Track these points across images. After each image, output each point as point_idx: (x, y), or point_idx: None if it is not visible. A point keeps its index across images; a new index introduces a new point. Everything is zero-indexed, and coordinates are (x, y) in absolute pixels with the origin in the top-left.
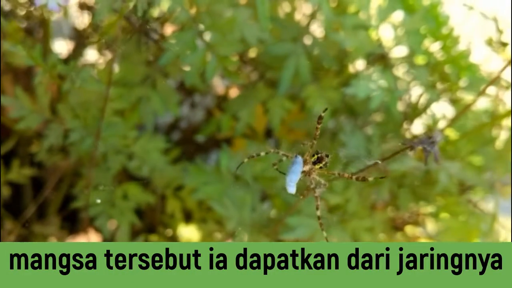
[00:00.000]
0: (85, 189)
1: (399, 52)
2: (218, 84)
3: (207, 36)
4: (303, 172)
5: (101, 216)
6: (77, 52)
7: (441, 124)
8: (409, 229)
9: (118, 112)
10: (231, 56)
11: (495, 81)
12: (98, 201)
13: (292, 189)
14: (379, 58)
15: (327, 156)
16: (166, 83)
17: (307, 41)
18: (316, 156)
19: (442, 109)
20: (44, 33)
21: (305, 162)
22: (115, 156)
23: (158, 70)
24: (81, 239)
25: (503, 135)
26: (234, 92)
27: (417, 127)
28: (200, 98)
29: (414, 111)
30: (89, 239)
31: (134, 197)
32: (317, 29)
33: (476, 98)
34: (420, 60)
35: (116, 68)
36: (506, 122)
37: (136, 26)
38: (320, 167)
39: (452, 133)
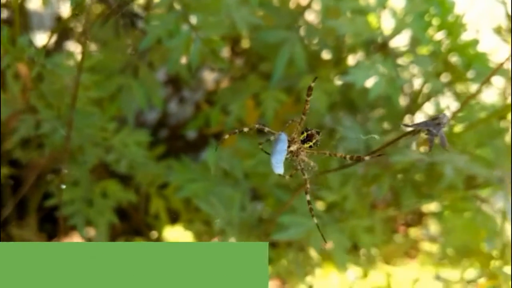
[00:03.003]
0: (59, 186)
1: (401, 40)
2: (209, 79)
3: (193, 19)
4: (290, 152)
5: (76, 216)
6: (59, 42)
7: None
8: (412, 231)
9: (95, 101)
10: (218, 39)
11: (499, 69)
12: (63, 186)
13: (279, 169)
14: (380, 47)
15: (318, 133)
16: (149, 71)
17: (303, 28)
18: (305, 134)
19: (448, 102)
20: (14, 18)
21: (293, 141)
22: (92, 149)
23: (140, 57)
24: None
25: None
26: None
27: (419, 119)
28: (190, 94)
29: (416, 102)
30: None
31: (114, 195)
32: (313, 16)
33: (480, 87)
34: (423, 49)
35: (96, 54)
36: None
37: (113, 7)
38: (310, 146)
39: (458, 125)
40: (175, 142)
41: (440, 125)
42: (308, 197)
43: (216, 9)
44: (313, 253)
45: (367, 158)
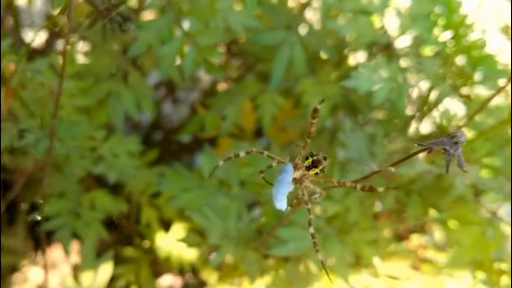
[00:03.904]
0: (41, 198)
1: (406, 41)
2: (205, 78)
3: (186, 24)
4: (294, 179)
5: (62, 229)
6: (49, 41)
7: (455, 122)
8: (415, 238)
9: (84, 108)
10: (213, 46)
11: None
12: (38, 218)
13: (280, 204)
14: (384, 48)
15: (325, 158)
16: (140, 76)
17: (303, 29)
18: (310, 159)
19: (455, 106)
20: None
21: (296, 167)
22: (79, 160)
23: (129, 62)
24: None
25: None
26: (222, 87)
27: (426, 125)
28: (185, 94)
29: (423, 107)
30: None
31: (102, 206)
32: (313, 16)
33: (494, 93)
34: (429, 51)
35: (83, 59)
36: None
37: (100, 10)
38: (316, 173)
39: (467, 133)
40: (169, 145)
41: (458, 144)
42: (311, 230)
43: (211, 13)
44: (312, 266)
45: (380, 189)
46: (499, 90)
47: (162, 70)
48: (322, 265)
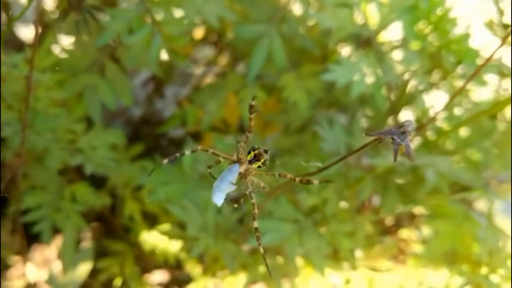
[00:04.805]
0: (16, 190)
1: (388, 35)
2: (198, 74)
3: (156, 14)
4: (238, 174)
5: (42, 222)
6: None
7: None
8: (404, 233)
9: (62, 102)
10: (180, 36)
11: (487, 64)
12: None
13: (218, 199)
14: (366, 42)
15: (266, 152)
16: (117, 69)
17: (284, 23)
18: (252, 153)
19: (438, 99)
20: None
21: (240, 162)
22: (57, 152)
23: (107, 55)
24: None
25: (502, 126)
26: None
27: (405, 117)
28: (177, 90)
29: (400, 100)
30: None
31: (83, 199)
32: (295, 9)
33: (466, 83)
34: (413, 45)
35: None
36: (505, 111)
37: (72, 1)
38: (259, 167)
39: (445, 125)
40: (160, 139)
41: (405, 133)
42: (256, 224)
43: (180, 3)
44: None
45: (315, 182)
46: (469, 79)
47: (129, 60)
48: (264, 259)
